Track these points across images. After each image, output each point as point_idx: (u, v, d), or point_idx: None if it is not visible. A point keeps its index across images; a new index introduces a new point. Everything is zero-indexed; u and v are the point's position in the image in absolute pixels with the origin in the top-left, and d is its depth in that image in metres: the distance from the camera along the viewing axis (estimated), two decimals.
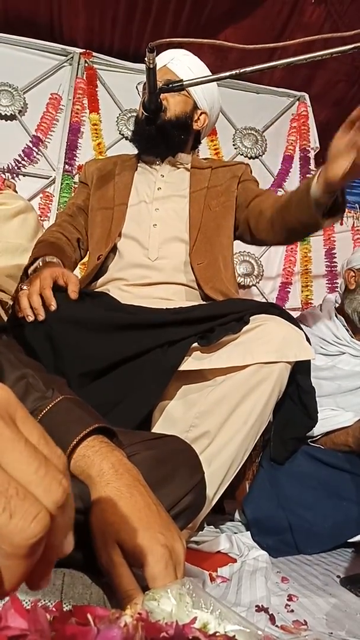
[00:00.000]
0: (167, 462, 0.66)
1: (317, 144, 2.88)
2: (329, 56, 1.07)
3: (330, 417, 1.36)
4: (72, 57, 2.70)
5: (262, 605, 0.70)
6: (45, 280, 1.07)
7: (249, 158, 2.80)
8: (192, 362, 1.05)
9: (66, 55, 2.70)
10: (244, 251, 2.58)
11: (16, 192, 1.78)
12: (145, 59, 1.08)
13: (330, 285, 2.68)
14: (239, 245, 1.59)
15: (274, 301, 2.56)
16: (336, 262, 2.70)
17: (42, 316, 1.01)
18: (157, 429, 1.06)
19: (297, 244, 2.73)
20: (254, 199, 1.37)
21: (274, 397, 1.05)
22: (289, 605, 0.75)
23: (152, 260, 1.26)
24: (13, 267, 1.35)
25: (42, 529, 0.25)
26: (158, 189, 1.36)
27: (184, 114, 1.37)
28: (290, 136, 2.86)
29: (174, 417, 1.07)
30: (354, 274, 1.61)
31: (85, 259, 1.46)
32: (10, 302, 1.23)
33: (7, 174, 2.46)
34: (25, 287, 1.06)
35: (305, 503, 1.20)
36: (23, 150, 2.48)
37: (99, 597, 0.45)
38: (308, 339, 1.09)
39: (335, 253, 2.74)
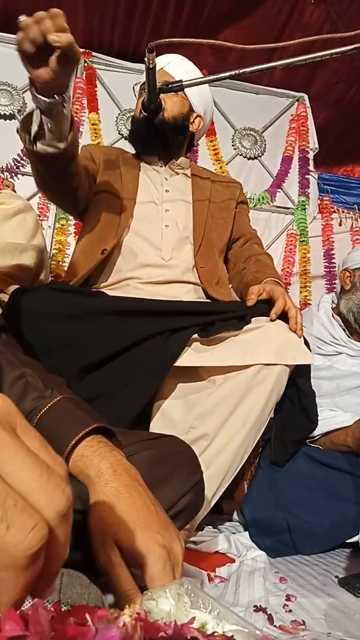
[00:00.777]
0: (165, 462, 0.66)
1: (316, 145, 2.88)
2: (328, 57, 1.07)
3: (329, 418, 1.37)
4: None
5: (260, 605, 0.70)
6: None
7: (248, 159, 2.80)
8: (191, 357, 1.05)
9: None
10: None
11: (15, 191, 1.78)
12: (145, 59, 1.08)
13: (329, 286, 2.68)
14: None
15: None
16: (335, 263, 2.71)
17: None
18: (156, 429, 1.07)
19: (295, 245, 2.73)
20: (238, 239, 1.49)
21: (273, 399, 1.05)
22: (287, 606, 0.75)
23: (166, 261, 1.27)
24: (13, 267, 1.35)
25: (40, 541, 0.25)
26: (166, 191, 1.38)
27: (180, 115, 1.38)
28: (290, 137, 2.86)
29: (174, 419, 1.07)
30: (349, 274, 1.62)
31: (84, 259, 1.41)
32: None
33: (6, 174, 2.46)
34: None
35: (304, 503, 1.20)
36: (22, 150, 2.47)
37: (98, 597, 0.45)
38: (307, 344, 1.10)
39: (334, 254, 2.75)
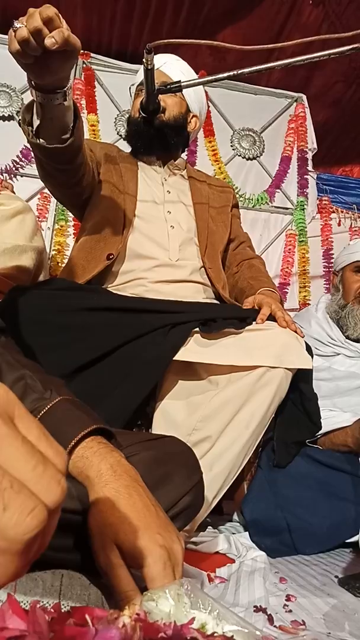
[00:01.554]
0: (165, 463, 0.66)
1: (315, 145, 2.88)
2: (326, 57, 1.07)
3: (329, 418, 1.36)
4: None
5: (260, 606, 0.70)
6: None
7: (247, 159, 2.80)
8: (192, 353, 1.06)
9: None
10: None
11: (14, 193, 1.78)
12: (143, 60, 1.08)
13: (328, 286, 2.69)
14: None
15: None
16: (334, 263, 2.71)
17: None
18: (159, 431, 1.07)
19: (294, 245, 2.73)
20: (232, 242, 1.50)
21: (275, 402, 1.06)
22: (287, 606, 0.75)
23: (174, 261, 1.28)
24: (12, 268, 1.35)
25: (39, 524, 0.24)
26: (167, 192, 1.38)
27: (180, 115, 1.40)
28: (288, 137, 2.86)
29: (177, 420, 1.07)
30: (334, 276, 1.69)
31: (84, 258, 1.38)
32: None
33: (5, 175, 2.46)
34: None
35: (304, 503, 1.20)
36: (21, 151, 2.47)
37: (98, 598, 0.45)
38: (309, 349, 1.11)
39: (333, 254, 2.75)
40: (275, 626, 0.64)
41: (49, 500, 0.25)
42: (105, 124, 2.66)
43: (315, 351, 1.53)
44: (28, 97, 2.76)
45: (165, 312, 1.08)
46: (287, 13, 2.59)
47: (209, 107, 2.75)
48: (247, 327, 1.08)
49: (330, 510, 1.19)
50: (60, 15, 0.85)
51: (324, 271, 2.74)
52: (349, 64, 2.84)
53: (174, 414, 1.09)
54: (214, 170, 2.68)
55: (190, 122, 1.45)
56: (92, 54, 2.72)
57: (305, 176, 2.81)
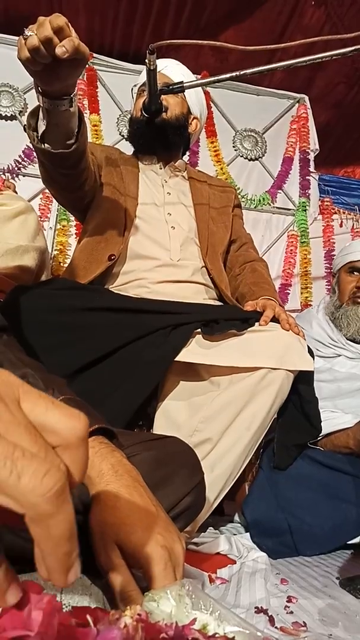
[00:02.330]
0: (166, 463, 0.66)
1: (317, 146, 2.89)
2: (329, 58, 1.07)
3: (330, 419, 1.36)
4: None
5: (261, 607, 0.70)
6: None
7: (249, 160, 2.80)
8: (193, 354, 1.06)
9: None
10: None
11: (16, 192, 1.79)
12: (146, 60, 1.08)
13: (329, 288, 2.68)
14: None
15: None
16: None
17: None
18: (160, 432, 1.07)
19: (296, 246, 2.73)
20: (234, 242, 1.50)
21: (277, 404, 1.06)
22: (289, 607, 0.74)
23: (176, 261, 1.28)
24: (14, 267, 1.35)
25: (56, 482, 0.24)
26: (168, 193, 1.39)
27: (182, 115, 1.40)
28: (290, 138, 2.86)
29: (178, 421, 1.07)
30: (333, 278, 1.71)
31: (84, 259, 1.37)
32: None
33: (7, 175, 2.47)
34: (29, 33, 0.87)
35: (305, 505, 1.20)
36: (23, 151, 2.48)
37: (99, 598, 0.45)
38: (311, 352, 1.11)
39: (335, 255, 2.75)
40: (276, 627, 0.64)
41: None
42: (108, 124, 2.67)
43: (317, 352, 1.53)
44: (31, 96, 2.78)
45: (167, 312, 1.08)
46: (289, 14, 2.59)
47: (211, 107, 2.76)
48: (249, 329, 1.08)
49: (332, 512, 1.19)
50: (69, 24, 0.86)
51: (325, 272, 2.74)
52: (351, 65, 2.84)
53: (176, 415, 1.09)
54: (216, 170, 2.68)
55: (191, 123, 1.45)
56: (94, 55, 2.72)
57: (307, 177, 2.81)
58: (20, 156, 2.48)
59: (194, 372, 1.11)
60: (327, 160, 3.38)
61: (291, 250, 2.72)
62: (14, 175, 2.49)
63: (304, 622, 0.67)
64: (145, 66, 1.09)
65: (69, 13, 2.66)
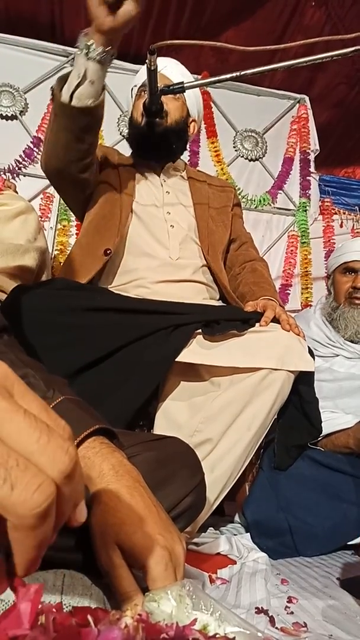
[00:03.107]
0: (167, 463, 0.66)
1: (317, 147, 2.89)
2: (329, 59, 1.07)
3: (330, 420, 1.36)
4: (73, 58, 2.70)
5: (261, 607, 0.70)
6: None
7: (249, 160, 2.80)
8: (194, 355, 1.06)
9: (67, 56, 2.70)
10: None
11: (17, 192, 1.78)
12: (146, 60, 1.08)
13: None
14: None
15: None
16: None
17: None
18: (161, 432, 1.07)
19: (297, 246, 2.73)
20: (233, 242, 1.50)
21: (277, 405, 1.06)
22: (289, 607, 0.74)
23: (175, 260, 1.28)
24: (14, 268, 1.35)
25: (46, 499, 0.24)
26: (167, 192, 1.39)
27: (182, 119, 1.40)
28: (291, 138, 2.86)
29: (179, 422, 1.07)
30: (327, 279, 1.74)
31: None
32: None
33: (7, 175, 2.47)
34: None
35: (305, 505, 1.20)
36: (24, 151, 2.48)
37: (99, 598, 0.45)
38: (312, 352, 1.11)
39: None
40: (276, 628, 0.64)
41: (57, 470, 0.25)
42: (108, 125, 2.66)
43: (315, 352, 1.53)
44: (31, 96, 2.78)
45: (168, 313, 1.08)
46: (290, 14, 2.59)
47: (211, 108, 2.76)
48: (249, 329, 1.08)
49: (332, 512, 1.19)
50: None
51: (326, 273, 2.73)
52: (352, 65, 2.84)
53: (176, 415, 1.09)
54: (217, 171, 2.68)
55: (189, 126, 1.46)
56: None
57: (308, 177, 2.81)
58: (20, 156, 2.48)
59: (195, 372, 1.11)
60: (327, 161, 3.38)
61: (291, 250, 2.72)
62: (15, 175, 2.49)
63: (304, 622, 0.67)
64: (144, 66, 1.09)
65: (70, 12, 2.66)
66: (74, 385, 0.65)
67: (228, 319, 1.09)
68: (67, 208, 2.48)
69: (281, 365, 1.03)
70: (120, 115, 2.68)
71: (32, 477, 0.24)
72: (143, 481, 0.52)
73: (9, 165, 2.47)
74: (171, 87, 1.20)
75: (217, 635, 0.34)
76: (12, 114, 2.53)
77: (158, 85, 1.19)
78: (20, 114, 2.54)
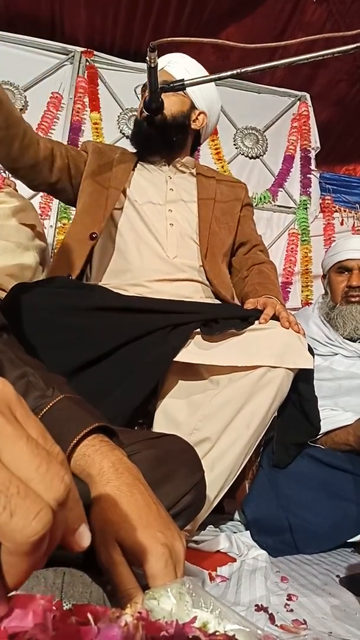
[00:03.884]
0: (167, 461, 0.66)
1: (318, 144, 2.88)
2: (330, 56, 1.07)
3: (330, 417, 1.36)
4: (73, 56, 2.70)
5: (261, 605, 0.70)
6: None
7: (250, 158, 2.80)
8: (193, 354, 1.05)
9: (67, 54, 2.70)
10: None
11: (16, 191, 1.78)
12: (147, 58, 1.08)
13: None
14: None
15: None
16: None
17: None
18: (160, 430, 1.07)
19: (297, 244, 2.73)
20: (243, 245, 1.49)
21: (277, 402, 1.06)
22: (289, 605, 0.75)
23: (171, 259, 1.28)
24: (13, 266, 1.35)
25: (44, 527, 0.25)
26: (170, 189, 1.38)
27: (180, 113, 1.38)
28: (291, 136, 2.86)
29: (178, 420, 1.07)
30: (323, 279, 1.72)
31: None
32: None
33: (7, 173, 2.46)
34: None
35: (305, 503, 1.20)
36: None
37: (99, 596, 0.45)
38: (311, 350, 1.10)
39: None
40: (276, 625, 0.64)
41: (53, 497, 0.26)
42: (108, 123, 2.66)
43: (315, 351, 1.53)
44: (31, 94, 2.77)
45: (167, 312, 1.08)
46: (291, 11, 2.59)
47: None
48: (249, 327, 1.08)
49: (332, 510, 1.19)
50: None
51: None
52: (353, 62, 2.83)
53: (175, 413, 1.09)
54: (217, 168, 2.68)
55: (196, 119, 1.43)
56: (95, 52, 2.72)
57: (308, 175, 2.81)
58: None
59: (194, 371, 1.11)
60: (328, 158, 3.37)
61: (292, 248, 2.72)
62: None
63: (304, 619, 0.67)
64: (146, 63, 1.09)
65: (70, 10, 2.66)
66: (73, 384, 0.65)
67: (227, 317, 1.08)
68: (67, 207, 2.49)
69: (280, 362, 1.03)
70: (120, 113, 2.68)
71: (31, 504, 0.25)
72: (143, 479, 0.52)
73: None
74: (171, 85, 1.20)
75: (217, 633, 0.34)
76: None
77: (159, 82, 1.18)
78: (20, 111, 2.53)
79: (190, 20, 2.64)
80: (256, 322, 1.10)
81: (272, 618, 0.66)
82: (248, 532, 1.17)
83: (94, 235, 1.27)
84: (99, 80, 2.69)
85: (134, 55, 2.76)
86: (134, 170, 1.41)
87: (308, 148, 2.83)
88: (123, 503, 0.47)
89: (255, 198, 2.71)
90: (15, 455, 0.26)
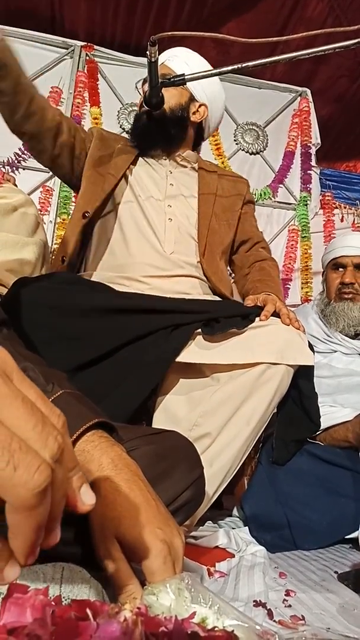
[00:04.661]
0: (166, 457, 0.66)
1: (319, 140, 2.87)
2: (331, 51, 1.06)
3: (329, 413, 1.37)
4: (73, 50, 2.68)
5: (260, 600, 0.70)
6: None
7: (250, 154, 2.79)
8: (194, 354, 1.05)
9: (67, 48, 2.68)
10: None
11: (16, 185, 1.77)
12: (147, 52, 1.08)
13: None
14: None
15: None
16: None
17: None
18: (159, 426, 1.07)
19: (297, 240, 2.73)
20: (245, 243, 1.49)
21: (277, 399, 1.06)
22: (287, 601, 0.75)
23: (169, 254, 1.27)
24: (13, 261, 1.34)
25: (45, 479, 0.26)
26: (170, 184, 1.37)
27: (179, 106, 1.38)
28: (292, 132, 2.85)
29: (177, 416, 1.07)
30: (322, 276, 1.72)
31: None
32: None
33: (7, 168, 2.46)
34: None
35: (304, 499, 1.20)
36: (23, 144, 2.46)
37: (98, 592, 0.45)
38: (311, 346, 1.10)
39: None
40: (274, 621, 0.65)
41: (49, 455, 0.27)
42: (108, 117, 2.65)
43: (314, 348, 1.54)
44: None
45: (168, 311, 1.08)
46: (292, 6, 2.57)
47: None
48: (249, 326, 1.08)
49: (330, 506, 1.19)
50: None
51: None
52: (354, 58, 2.82)
53: (175, 409, 1.09)
54: (217, 164, 2.67)
55: (197, 111, 1.42)
56: (95, 47, 2.70)
57: (309, 171, 2.80)
58: (20, 149, 2.47)
59: (194, 369, 1.10)
60: (328, 155, 3.36)
61: (292, 244, 2.71)
62: (14, 168, 2.47)
63: (302, 615, 0.68)
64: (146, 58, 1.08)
65: (70, 4, 2.64)
66: (73, 383, 0.65)
67: (227, 315, 1.08)
68: (66, 202, 2.48)
69: (280, 359, 1.03)
70: (120, 108, 2.67)
71: (32, 458, 0.26)
72: (142, 475, 0.52)
73: (8, 159, 2.46)
74: (171, 80, 1.19)
75: (216, 629, 0.34)
76: None
77: (159, 77, 1.18)
78: None
79: (191, 15, 2.62)
80: (257, 319, 1.10)
81: (270, 614, 0.67)
82: (246, 528, 1.17)
83: (86, 214, 1.29)
84: (99, 75, 2.68)
85: (135, 50, 2.75)
86: (135, 163, 1.41)
87: (308, 144, 2.83)
88: (122, 499, 0.47)
89: (255, 194, 2.70)
90: (12, 414, 0.27)
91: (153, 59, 1.09)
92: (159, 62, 1.32)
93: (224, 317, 1.07)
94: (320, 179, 2.86)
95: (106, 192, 1.31)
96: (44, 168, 2.49)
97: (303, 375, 1.14)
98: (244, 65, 1.11)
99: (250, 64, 1.11)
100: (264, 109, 2.86)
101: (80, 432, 0.53)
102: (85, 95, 2.63)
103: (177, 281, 1.26)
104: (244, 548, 1.02)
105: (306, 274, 2.68)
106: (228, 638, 0.32)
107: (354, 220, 2.86)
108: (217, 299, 1.32)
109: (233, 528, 1.17)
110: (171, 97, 1.35)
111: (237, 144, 2.78)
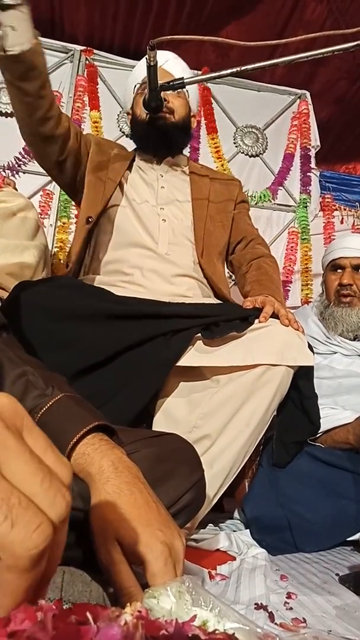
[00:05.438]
0: (167, 460, 0.66)
1: (318, 142, 2.87)
2: (330, 54, 1.07)
3: (330, 415, 1.37)
4: (72, 55, 2.69)
5: (261, 603, 0.70)
6: None
7: (250, 156, 2.79)
8: (194, 358, 1.05)
9: (67, 53, 2.69)
10: None
11: (16, 189, 1.78)
12: (146, 56, 1.08)
13: None
14: None
15: None
16: None
17: None
18: (160, 428, 1.07)
19: (297, 242, 2.73)
20: (240, 242, 1.49)
21: (276, 400, 1.06)
22: (288, 603, 0.75)
23: (164, 254, 1.28)
24: (14, 265, 1.35)
25: (45, 540, 0.24)
26: (161, 187, 1.38)
27: (187, 116, 1.41)
28: (291, 134, 2.85)
29: (177, 418, 1.07)
30: (322, 278, 1.73)
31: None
32: None
33: (7, 172, 2.46)
34: None
35: (305, 501, 1.20)
36: (23, 148, 2.47)
37: (99, 595, 0.45)
38: (311, 347, 1.11)
39: None
40: (276, 624, 0.64)
41: (55, 514, 0.26)
42: (108, 121, 2.65)
43: (314, 350, 1.54)
44: None
45: (168, 316, 1.07)
46: (291, 9, 2.58)
47: (211, 103, 2.75)
48: (248, 328, 1.08)
49: (331, 509, 1.19)
50: None
51: None
52: (353, 60, 2.82)
53: (175, 411, 1.09)
54: (217, 167, 2.67)
55: (191, 121, 1.47)
56: (95, 51, 2.71)
57: (308, 173, 2.80)
58: (20, 153, 2.47)
59: (194, 371, 1.10)
60: (328, 157, 3.37)
61: (292, 247, 2.71)
62: (14, 172, 2.48)
63: (303, 618, 0.68)
64: (141, 61, 1.09)
65: (69, 8, 2.65)
66: (74, 388, 0.65)
67: (227, 319, 1.08)
68: (66, 205, 2.48)
69: (280, 360, 1.03)
70: (120, 112, 2.67)
71: (33, 516, 0.24)
72: (143, 477, 0.52)
73: (8, 163, 2.46)
74: (171, 83, 1.20)
75: (217, 632, 0.34)
76: (11, 111, 2.52)
77: (158, 80, 1.18)
78: None
79: (190, 18, 2.63)
80: (256, 320, 1.10)
81: (271, 616, 0.66)
82: (247, 530, 1.17)
83: (89, 219, 1.30)
84: (98, 79, 2.69)
85: (134, 54, 2.75)
86: (130, 168, 1.42)
87: (308, 146, 2.83)
88: (122, 502, 0.47)
89: (255, 196, 2.70)
90: (19, 469, 0.26)
91: (152, 63, 1.10)
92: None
93: (224, 321, 1.07)
94: (320, 181, 2.86)
95: (107, 197, 1.32)
96: (45, 172, 2.50)
97: (303, 376, 1.14)
98: (243, 68, 1.11)
99: (249, 67, 1.11)
100: (264, 111, 2.86)
101: (81, 435, 0.53)
102: (85, 99, 2.63)
103: (174, 282, 1.26)
104: (245, 551, 1.02)
105: (306, 276, 2.68)
106: None
107: (354, 222, 2.86)
108: (216, 301, 1.32)
109: (234, 531, 1.17)
110: (181, 107, 1.39)
111: (236, 146, 2.79)
